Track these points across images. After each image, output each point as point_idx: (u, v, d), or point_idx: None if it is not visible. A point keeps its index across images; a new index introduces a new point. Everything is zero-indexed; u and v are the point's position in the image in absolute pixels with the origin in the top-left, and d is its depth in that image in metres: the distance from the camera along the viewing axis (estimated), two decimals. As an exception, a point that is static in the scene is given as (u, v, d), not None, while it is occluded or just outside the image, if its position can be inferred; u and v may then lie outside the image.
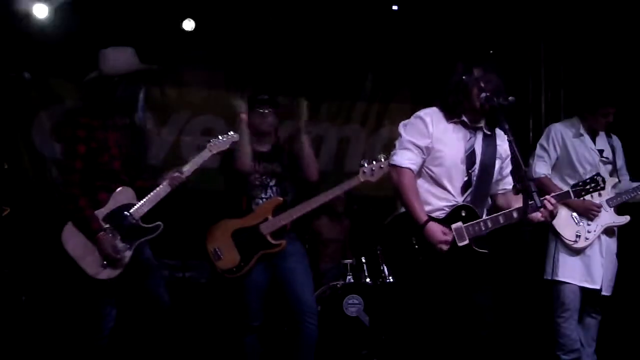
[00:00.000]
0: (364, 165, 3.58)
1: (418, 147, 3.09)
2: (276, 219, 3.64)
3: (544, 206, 2.91)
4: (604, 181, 3.19)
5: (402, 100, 6.32)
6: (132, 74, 3.32)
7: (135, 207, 3.33)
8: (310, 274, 3.74)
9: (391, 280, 5.09)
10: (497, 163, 3.13)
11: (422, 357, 3.09)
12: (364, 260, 5.17)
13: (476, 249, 3.02)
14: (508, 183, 3.14)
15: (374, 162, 3.57)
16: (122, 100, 3.31)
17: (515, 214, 2.99)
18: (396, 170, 3.11)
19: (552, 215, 2.98)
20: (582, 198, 3.33)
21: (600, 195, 3.85)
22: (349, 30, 5.67)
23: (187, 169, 3.44)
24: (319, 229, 5.78)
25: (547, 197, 2.99)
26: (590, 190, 3.16)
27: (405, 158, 3.09)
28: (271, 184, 3.76)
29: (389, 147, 6.31)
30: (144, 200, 3.35)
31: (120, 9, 5.18)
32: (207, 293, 5.16)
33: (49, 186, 5.49)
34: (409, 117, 3.23)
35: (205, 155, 3.50)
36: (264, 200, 3.71)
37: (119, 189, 3.31)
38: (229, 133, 3.57)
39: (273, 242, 3.63)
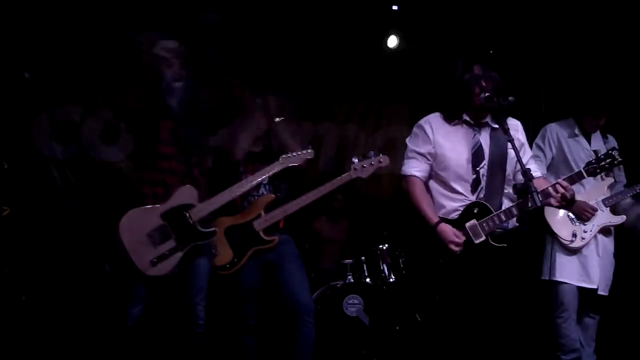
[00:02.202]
0: (354, 162, 3.61)
1: (421, 154, 3.21)
2: (269, 216, 3.66)
3: (555, 189, 2.95)
4: (621, 155, 3.17)
5: (402, 101, 6.33)
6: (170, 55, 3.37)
7: (195, 208, 3.30)
8: (305, 273, 3.76)
9: (391, 280, 5.12)
10: (512, 153, 3.13)
11: (450, 356, 3.13)
12: (364, 260, 5.18)
13: (494, 244, 3.05)
14: (532, 169, 3.10)
15: (365, 159, 3.60)
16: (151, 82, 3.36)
17: (529, 203, 2.99)
18: (405, 180, 3.26)
19: (565, 198, 2.98)
20: (598, 175, 3.29)
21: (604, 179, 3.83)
22: (348, 30, 5.67)
23: (258, 179, 3.49)
24: (319, 229, 5.79)
25: (558, 180, 3.02)
26: (607, 166, 3.15)
27: (411, 167, 3.24)
28: (264, 182, 3.78)
29: (388, 148, 6.36)
30: (206, 202, 3.33)
31: (121, 9, 5.18)
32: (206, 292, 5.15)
33: (49, 186, 5.48)
34: (408, 118, 3.28)
35: (276, 167, 3.53)
36: (256, 197, 3.73)
37: (182, 187, 3.30)
38: (307, 150, 3.58)
39: (265, 238, 3.65)
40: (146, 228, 3.23)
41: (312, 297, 4.77)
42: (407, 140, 3.31)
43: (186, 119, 3.38)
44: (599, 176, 3.92)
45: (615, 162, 3.15)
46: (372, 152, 3.63)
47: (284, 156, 3.55)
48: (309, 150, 3.59)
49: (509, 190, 3.18)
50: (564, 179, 3.07)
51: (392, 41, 5.90)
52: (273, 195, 3.72)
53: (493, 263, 3.06)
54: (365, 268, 5.16)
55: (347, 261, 5.11)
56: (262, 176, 3.53)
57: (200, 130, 3.49)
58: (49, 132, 5.54)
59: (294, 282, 3.67)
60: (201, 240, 3.31)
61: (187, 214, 3.27)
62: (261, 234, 3.65)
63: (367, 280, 5.11)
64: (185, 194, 3.30)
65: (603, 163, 3.15)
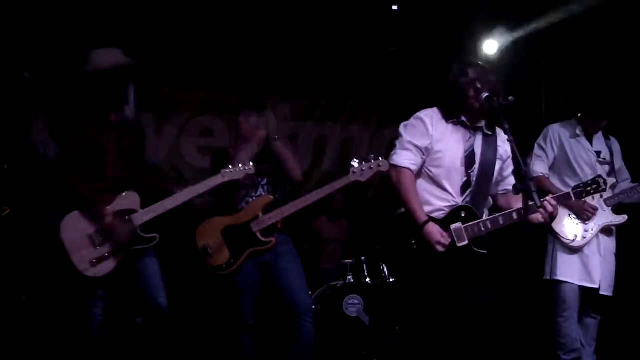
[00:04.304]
0: (354, 166, 3.61)
1: (418, 147, 3.13)
2: (266, 217, 3.66)
3: (544, 207, 2.92)
4: (605, 183, 3.23)
5: (404, 100, 6.32)
6: (115, 70, 3.38)
7: (137, 214, 3.35)
8: (303, 273, 3.76)
9: (391, 280, 5.11)
10: (498, 164, 3.14)
11: (422, 357, 3.09)
12: (364, 260, 5.18)
13: (475, 249, 3.03)
14: (508, 184, 3.12)
15: (364, 163, 3.60)
16: (109, 95, 3.38)
17: (515, 215, 3.00)
18: (395, 170, 3.15)
19: (552, 216, 2.98)
20: (582, 200, 3.36)
21: (601, 196, 3.87)
22: (350, 30, 5.68)
23: (200, 190, 3.48)
24: (319, 229, 5.79)
25: (547, 198, 3.00)
26: (592, 191, 3.18)
27: (405, 158, 3.13)
28: (262, 183, 3.79)
29: (392, 148, 6.36)
30: (148, 209, 3.37)
31: (122, 9, 5.19)
32: (204, 293, 5.17)
33: (49, 186, 5.48)
34: (410, 117, 3.25)
35: (217, 180, 3.53)
36: (255, 198, 3.73)
37: (125, 192, 3.35)
38: (249, 164, 3.58)
39: (263, 239, 3.65)
40: (87, 230, 3.28)
41: (312, 297, 4.78)
42: (402, 130, 3.21)
43: (131, 129, 3.46)
44: (602, 175, 3.95)
45: (600, 189, 3.19)
46: (371, 156, 3.63)
47: (225, 170, 3.54)
48: (251, 166, 3.58)
49: (489, 199, 3.18)
50: (552, 197, 3.06)
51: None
52: (271, 197, 3.72)
53: (470, 268, 3.04)
54: (365, 268, 5.16)
55: (347, 261, 5.10)
56: (203, 188, 3.50)
57: (141, 138, 3.57)
58: (49, 132, 5.55)
59: (292, 282, 3.68)
60: (141, 245, 3.37)
61: (129, 219, 3.33)
62: (258, 235, 3.66)
63: (367, 280, 5.10)
64: (128, 199, 3.36)
65: (589, 188, 3.18)
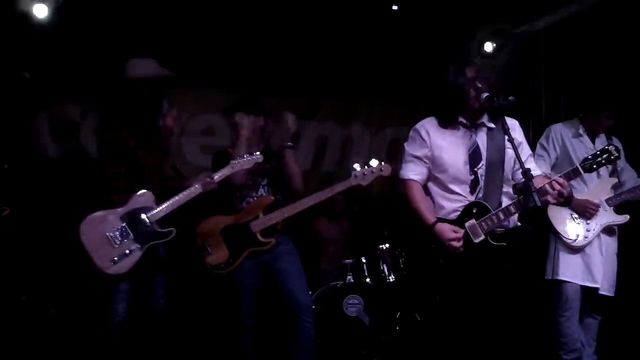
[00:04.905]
0: (356, 169, 3.61)
1: (418, 158, 3.22)
2: (267, 217, 3.66)
3: (552, 187, 2.94)
4: (617, 150, 3.15)
5: (405, 101, 6.32)
6: (155, 81, 3.57)
7: (153, 211, 3.45)
8: (302, 272, 3.77)
9: (391, 280, 5.12)
10: (509, 152, 3.12)
11: (450, 356, 3.12)
12: (364, 260, 5.18)
13: (493, 243, 3.04)
14: (531, 169, 3.07)
15: (366, 167, 3.60)
16: (148, 104, 3.55)
17: (529, 203, 2.98)
18: (403, 183, 3.26)
19: (562, 195, 2.98)
20: (595, 171, 3.30)
21: (590, 178, 3.83)
22: (350, 30, 5.67)
23: (217, 177, 3.55)
24: (319, 229, 5.79)
25: (555, 178, 3.01)
26: (603, 162, 3.14)
27: (409, 171, 3.24)
28: (263, 183, 3.79)
29: (393, 148, 6.37)
30: (163, 205, 3.47)
31: (121, 9, 5.18)
32: (204, 293, 5.16)
33: (49, 186, 5.48)
34: (411, 117, 3.28)
35: (227, 171, 3.57)
36: (255, 198, 3.73)
37: (140, 192, 3.45)
38: (255, 154, 3.61)
39: (263, 240, 3.65)
40: (106, 229, 3.38)
41: (312, 297, 4.78)
42: (405, 144, 3.31)
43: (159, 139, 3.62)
44: (604, 175, 3.95)
45: (612, 157, 3.13)
46: (374, 160, 3.63)
47: (233, 161, 3.57)
48: (259, 155, 3.61)
49: (508, 189, 3.17)
50: (560, 176, 3.07)
51: None
52: (272, 197, 3.72)
53: (493, 262, 3.05)
54: (365, 268, 5.16)
55: (347, 261, 5.10)
56: (218, 178, 3.55)
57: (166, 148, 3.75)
58: (49, 132, 5.55)
59: (291, 281, 3.68)
60: (159, 240, 3.46)
61: (145, 216, 3.43)
62: (258, 235, 3.65)
63: (367, 280, 5.10)
64: (143, 197, 3.47)
65: (600, 159, 3.13)
